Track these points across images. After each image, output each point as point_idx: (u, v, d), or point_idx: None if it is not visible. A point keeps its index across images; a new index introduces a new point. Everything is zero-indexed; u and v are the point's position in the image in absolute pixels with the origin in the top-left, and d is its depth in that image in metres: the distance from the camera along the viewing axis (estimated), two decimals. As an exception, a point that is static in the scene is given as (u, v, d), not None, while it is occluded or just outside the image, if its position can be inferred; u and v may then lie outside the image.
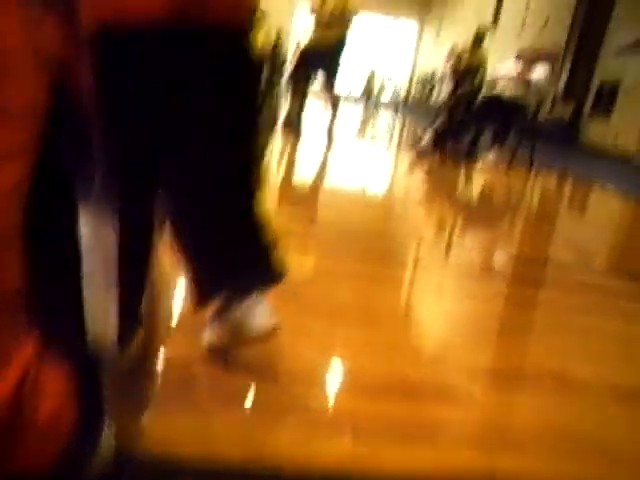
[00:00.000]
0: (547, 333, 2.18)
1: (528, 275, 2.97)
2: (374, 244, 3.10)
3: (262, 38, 7.53)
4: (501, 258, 3.35)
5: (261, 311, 1.43)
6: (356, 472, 1.21)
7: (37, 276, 0.83)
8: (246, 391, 1.46)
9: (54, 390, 0.89)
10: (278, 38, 12.72)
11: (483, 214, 4.61)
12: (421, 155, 6.92)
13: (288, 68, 8.25)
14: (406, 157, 7.15)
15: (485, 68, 7.97)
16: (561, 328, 2.22)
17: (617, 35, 12.25)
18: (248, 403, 1.42)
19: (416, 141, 7.13)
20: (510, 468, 1.29)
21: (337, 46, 7.06)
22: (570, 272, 3.07)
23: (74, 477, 0.97)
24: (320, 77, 7.33)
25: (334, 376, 1.65)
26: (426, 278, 2.76)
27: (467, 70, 8.07)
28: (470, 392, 1.60)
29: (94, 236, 0.98)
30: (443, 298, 2.49)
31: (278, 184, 4.54)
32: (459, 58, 8.71)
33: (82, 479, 0.99)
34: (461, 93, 7.88)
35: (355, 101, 18.72)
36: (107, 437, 1.07)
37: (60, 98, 0.82)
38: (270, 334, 1.47)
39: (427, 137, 7.05)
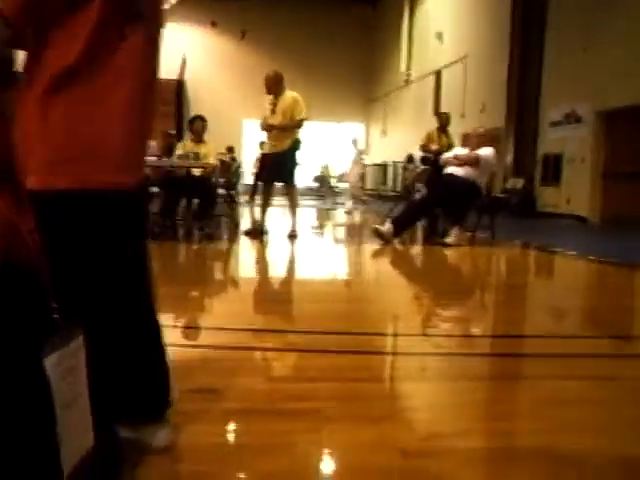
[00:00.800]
0: (534, 408, 2.12)
1: (508, 349, 2.93)
2: (349, 332, 3.03)
3: (213, 156, 7.78)
4: (478, 335, 3.31)
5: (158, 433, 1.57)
6: None
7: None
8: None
9: None
10: (231, 152, 13.01)
11: (455, 293, 4.60)
12: (383, 241, 6.98)
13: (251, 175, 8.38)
14: (369, 245, 7.19)
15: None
16: (547, 401, 2.15)
17: (549, 112, 12.89)
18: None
19: (376, 229, 7.21)
20: None
21: (290, 150, 7.35)
22: (548, 340, 3.04)
23: None
24: (279, 181, 7.62)
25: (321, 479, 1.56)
26: (408, 365, 2.70)
27: (438, 153, 8.26)
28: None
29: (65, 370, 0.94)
30: (427, 384, 2.43)
31: (254, 284, 4.61)
32: (428, 141, 8.93)
33: None
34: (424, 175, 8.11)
35: (313, 195, 19.07)
36: None
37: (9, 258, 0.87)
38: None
39: (387, 226, 7.13)
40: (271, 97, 7.43)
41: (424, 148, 9.03)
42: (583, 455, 1.68)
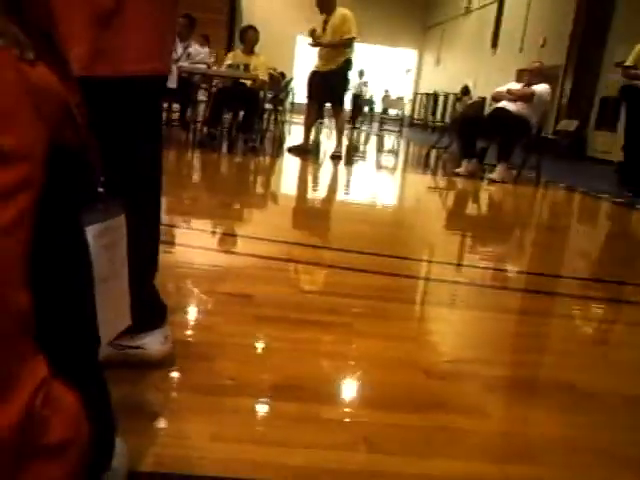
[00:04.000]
0: (560, 345, 2.14)
1: (541, 288, 2.93)
2: (385, 254, 3.05)
3: (263, 70, 7.67)
4: (512, 271, 3.30)
5: (156, 340, 1.54)
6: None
7: (44, 297, 0.83)
8: (259, 407, 1.42)
9: (66, 409, 0.86)
10: (281, 72, 12.79)
11: (493, 228, 4.57)
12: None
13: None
14: (413, 173, 7.14)
15: None
16: (573, 339, 2.17)
17: (616, 51, 12.32)
18: (259, 417, 1.38)
19: (457, 174, 7.22)
20: (522, 477, 1.24)
21: (341, 70, 7.23)
22: (581, 283, 3.02)
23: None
24: (327, 101, 7.53)
25: (347, 389, 1.61)
26: (439, 291, 2.72)
27: None
28: (483, 404, 1.56)
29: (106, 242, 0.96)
30: (456, 311, 2.45)
31: (295, 200, 4.65)
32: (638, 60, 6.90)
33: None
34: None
35: (360, 122, 18.73)
36: (120, 454, 1.03)
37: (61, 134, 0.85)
38: (166, 357, 1.55)
39: (464, 165, 7.16)
40: (324, 15, 7.27)
41: (627, 73, 7.12)
42: (602, 393, 1.70)
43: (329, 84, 7.29)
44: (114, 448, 1.01)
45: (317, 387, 1.53)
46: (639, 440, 1.47)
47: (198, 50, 7.68)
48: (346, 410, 1.44)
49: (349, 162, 7.87)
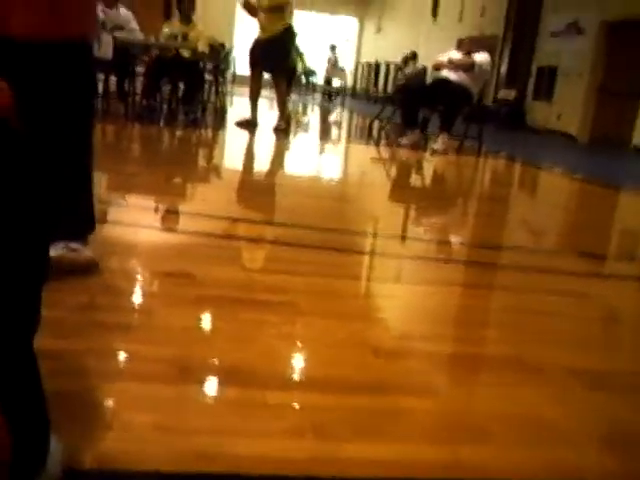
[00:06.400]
0: (505, 317, 2.14)
1: (483, 259, 2.94)
2: (330, 229, 3.02)
3: (202, 40, 7.42)
4: (456, 243, 3.32)
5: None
6: (319, 469, 1.13)
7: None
8: (202, 394, 1.37)
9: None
10: (220, 43, 12.47)
11: (437, 199, 4.58)
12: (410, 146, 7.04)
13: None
14: (355, 144, 7.11)
15: None
16: (518, 311, 2.18)
17: (550, 21, 12.48)
18: (204, 405, 1.33)
19: (401, 144, 7.18)
20: (474, 458, 1.22)
21: (280, 38, 7.02)
22: (524, 254, 3.05)
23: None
24: (267, 69, 7.32)
25: (294, 372, 1.57)
26: (385, 266, 2.70)
27: None
28: (432, 383, 1.54)
29: None
30: (402, 286, 2.44)
31: (237, 174, 4.62)
32: None
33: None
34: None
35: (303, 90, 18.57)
36: (53, 454, 0.97)
37: None
38: (87, 265, 1.95)
39: (409, 136, 7.12)
40: None
41: None
42: (549, 367, 1.70)
43: (268, 53, 7.05)
44: (47, 450, 0.95)
45: (263, 371, 1.48)
46: (591, 414, 1.47)
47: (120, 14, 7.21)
48: (293, 394, 1.40)
49: (292, 135, 7.77)
